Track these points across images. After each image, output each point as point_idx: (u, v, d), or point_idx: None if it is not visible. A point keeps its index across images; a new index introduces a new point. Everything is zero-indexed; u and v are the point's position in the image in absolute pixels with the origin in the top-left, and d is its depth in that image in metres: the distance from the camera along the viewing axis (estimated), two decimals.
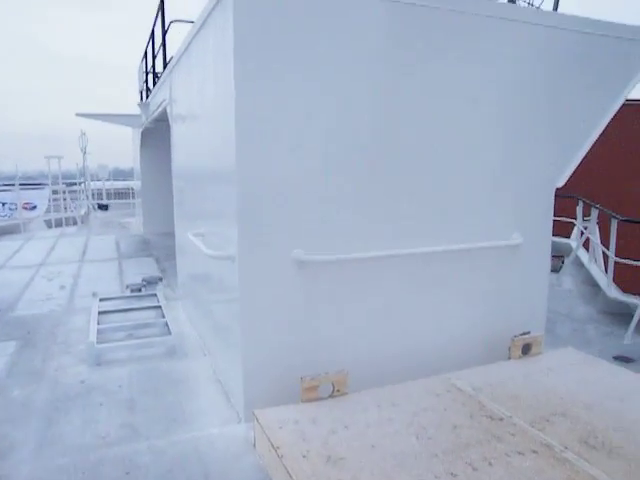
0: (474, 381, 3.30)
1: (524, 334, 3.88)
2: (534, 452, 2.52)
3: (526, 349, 3.80)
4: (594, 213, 6.86)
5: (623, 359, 4.57)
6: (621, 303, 5.78)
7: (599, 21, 3.91)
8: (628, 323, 5.19)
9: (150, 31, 8.27)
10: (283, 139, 3.05)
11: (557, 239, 7.57)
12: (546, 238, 4.15)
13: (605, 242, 6.33)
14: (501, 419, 2.82)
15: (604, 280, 6.26)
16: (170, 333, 4.61)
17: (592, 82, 4.02)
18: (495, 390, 3.19)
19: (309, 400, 2.99)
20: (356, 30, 3.13)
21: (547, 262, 4.20)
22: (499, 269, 3.95)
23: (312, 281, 3.25)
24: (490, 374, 3.44)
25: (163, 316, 5.14)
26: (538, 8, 6.52)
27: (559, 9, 6.42)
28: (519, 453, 2.51)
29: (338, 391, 3.07)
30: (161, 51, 7.38)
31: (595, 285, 6.51)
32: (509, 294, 4.02)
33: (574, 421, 2.83)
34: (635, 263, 5.52)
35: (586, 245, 7.32)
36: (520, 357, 3.74)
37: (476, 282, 3.87)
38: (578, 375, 3.46)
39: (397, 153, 3.43)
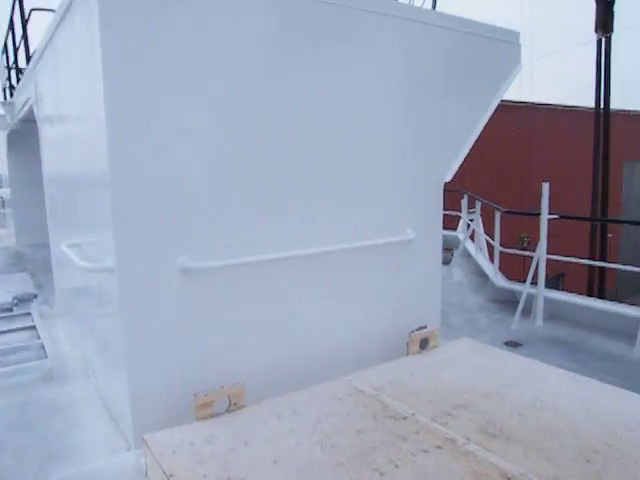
0: (375, 381, 3.24)
1: (421, 328, 3.90)
2: (438, 448, 2.48)
3: (424, 343, 3.81)
4: (478, 206, 7.17)
5: (512, 344, 4.76)
6: (507, 291, 6.06)
7: (480, 23, 4.05)
8: (515, 309, 5.43)
9: (8, 20, 7.48)
10: (160, 138, 2.81)
11: (445, 232, 7.85)
12: (437, 232, 4.21)
13: (490, 233, 6.63)
14: (404, 418, 2.77)
15: (491, 270, 6.55)
16: (47, 356, 4.17)
17: (473, 81, 4.16)
18: (396, 388, 3.14)
19: (204, 418, 2.77)
20: (234, 24, 2.96)
21: (439, 255, 4.27)
22: (394, 265, 3.95)
23: (201, 289, 3.03)
24: (390, 372, 3.40)
25: (38, 337, 4.65)
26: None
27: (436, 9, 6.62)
28: (424, 451, 2.46)
29: (235, 404, 2.88)
30: (23, 43, 6.72)
31: (483, 275, 6.79)
32: (405, 289, 4.04)
33: (474, 411, 2.84)
34: (520, 253, 5.82)
35: (473, 237, 7.64)
36: (418, 352, 3.75)
37: (372, 280, 3.84)
38: (474, 365, 3.51)
39: (287, 151, 3.30)
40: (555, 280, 18.37)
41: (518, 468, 2.30)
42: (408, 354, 3.72)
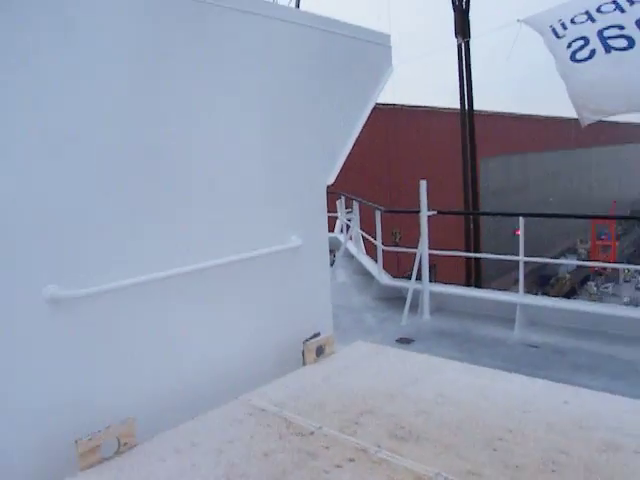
0: (275, 397, 3.09)
1: (315, 336, 3.80)
2: (351, 461, 2.38)
3: (320, 351, 3.72)
4: (356, 206, 7.26)
5: (404, 341, 4.83)
6: (393, 288, 6.18)
7: (351, 24, 4.04)
8: (402, 306, 5.54)
9: None
10: (12, 154, 2.45)
11: None
12: (323, 236, 4.14)
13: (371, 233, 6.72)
14: (311, 433, 2.64)
15: (375, 269, 6.65)
16: None
17: (348, 83, 4.15)
18: (299, 402, 3.01)
19: (90, 466, 2.45)
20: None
21: (326, 260, 4.20)
22: (282, 274, 3.82)
23: (74, 320, 2.70)
24: (290, 385, 3.26)
25: None
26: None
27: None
28: (337, 466, 2.35)
29: (125, 445, 2.58)
30: None
31: (367, 274, 6.88)
32: (295, 298, 3.92)
33: (380, 416, 2.78)
34: (403, 250, 5.95)
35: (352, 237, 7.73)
36: (315, 360, 3.64)
37: (261, 292, 3.68)
38: (373, 367, 3.47)
39: (156, 164, 3.04)
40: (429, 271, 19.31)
41: (432, 469, 2.27)
42: (305, 364, 3.60)
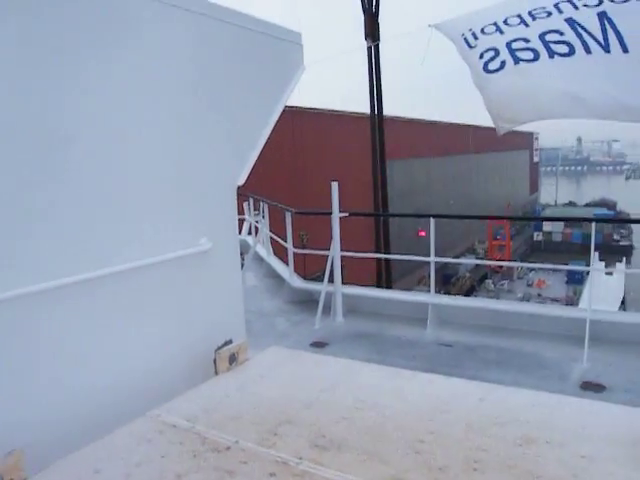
0: (187, 410, 2.89)
1: (227, 343, 3.64)
2: (272, 475, 2.25)
3: (233, 359, 3.55)
4: (265, 208, 7.12)
5: (318, 345, 4.75)
6: (305, 291, 6.09)
7: (263, 20, 3.90)
8: (314, 309, 5.46)
9: None
10: None
11: None
12: (234, 239, 3.97)
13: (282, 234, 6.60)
14: (228, 448, 2.48)
15: (286, 271, 6.53)
16: None
17: (259, 81, 4.01)
18: (212, 415, 2.83)
19: None
20: None
21: (238, 263, 4.03)
22: (191, 280, 3.61)
23: None
24: (202, 397, 3.07)
25: None
26: None
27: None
28: None
29: None
30: None
31: (278, 277, 6.75)
32: (205, 304, 3.72)
33: (300, 425, 2.67)
34: (315, 252, 5.87)
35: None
36: (229, 369, 3.47)
37: (169, 299, 3.45)
38: (289, 374, 3.36)
39: (51, 163, 2.75)
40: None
41: (356, 478, 2.19)
42: (218, 373, 3.42)
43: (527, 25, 4.11)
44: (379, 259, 10.40)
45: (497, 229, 48.09)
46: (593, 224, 6.15)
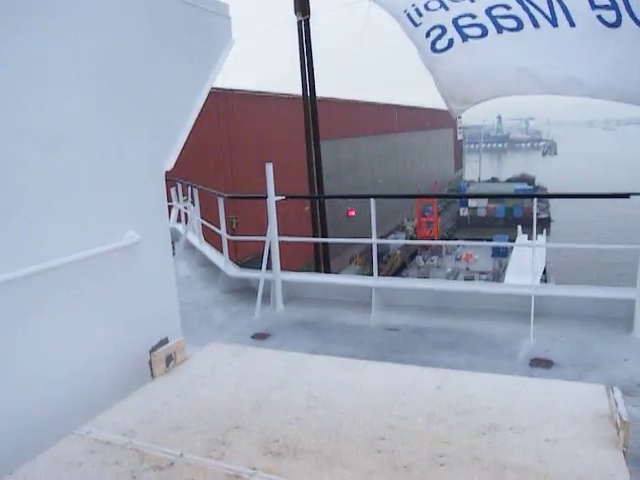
0: (122, 423, 2.59)
1: (162, 342, 3.35)
2: None
3: (170, 360, 3.26)
4: (195, 194, 6.75)
5: (260, 336, 4.52)
6: (242, 279, 5.81)
7: None
8: (252, 298, 5.22)
9: None
10: None
11: None
12: (164, 229, 3.65)
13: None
14: (172, 464, 2.23)
15: (221, 260, 6.21)
16: None
17: (185, 56, 3.68)
18: (151, 426, 2.56)
19: None
20: None
21: (170, 255, 3.72)
22: (119, 276, 3.27)
23: None
24: (139, 406, 2.78)
25: None
26: None
27: None
28: None
29: None
30: None
31: (212, 265, 6.42)
32: (136, 302, 3.40)
33: (250, 431, 2.45)
34: (252, 239, 5.60)
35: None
36: (166, 371, 3.18)
37: (95, 298, 3.11)
38: (234, 373, 3.12)
39: None
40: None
41: None
42: (154, 377, 3.13)
43: (472, 0, 3.97)
44: (316, 243, 10.23)
45: (425, 206, 49.17)
46: (535, 200, 6.19)
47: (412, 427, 2.41)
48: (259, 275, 5.28)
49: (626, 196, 4.80)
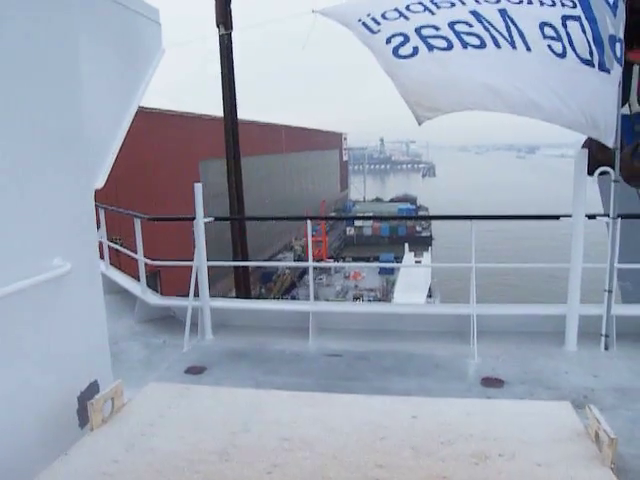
0: None
1: (92, 386, 2.93)
2: None
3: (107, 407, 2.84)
4: (102, 215, 6.17)
5: (195, 371, 4.12)
6: (162, 308, 5.33)
7: None
8: (174, 328, 4.79)
9: None
10: None
11: None
12: (94, 255, 3.21)
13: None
14: None
15: (137, 287, 5.66)
16: None
17: (116, 63, 3.31)
18: None
19: None
20: None
21: (99, 286, 3.25)
22: (45, 312, 2.79)
23: None
24: (81, 468, 2.35)
25: None
26: None
27: None
28: None
29: None
30: None
31: (123, 292, 5.85)
32: (64, 340, 2.93)
33: None
34: (177, 264, 5.16)
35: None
36: (104, 421, 2.75)
37: (16, 340, 2.62)
38: (188, 418, 2.75)
39: None
40: (152, 279, 18.29)
41: None
42: (92, 429, 2.68)
43: (433, 13, 3.93)
44: (236, 267, 9.80)
45: (314, 225, 49.61)
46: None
47: (402, 463, 2.26)
48: (186, 302, 4.85)
49: (556, 217, 5.01)
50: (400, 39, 3.85)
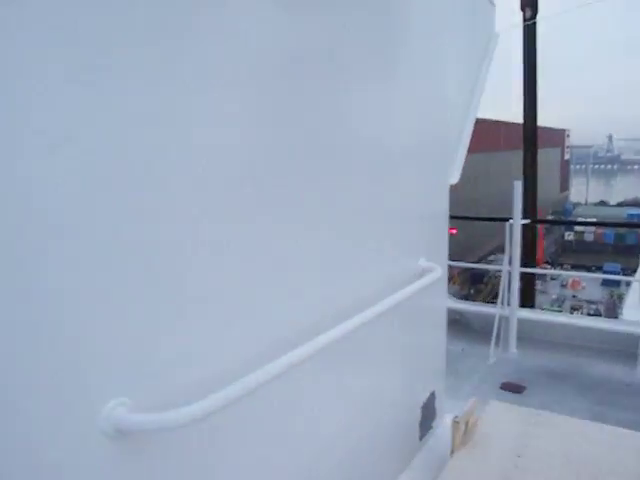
0: None
1: (432, 397, 2.69)
2: None
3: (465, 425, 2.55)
4: None
5: (512, 389, 3.72)
6: (451, 311, 5.05)
7: None
8: (466, 334, 4.46)
9: None
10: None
11: None
12: (445, 256, 2.96)
13: None
14: None
15: None
16: None
17: (462, 54, 3.00)
18: None
19: None
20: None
21: (445, 289, 3.02)
22: (415, 316, 2.61)
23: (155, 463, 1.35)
24: None
25: None
26: None
27: None
28: None
29: None
30: None
31: None
32: (418, 346, 2.72)
33: None
34: None
35: None
36: (465, 443, 2.47)
37: (395, 344, 2.45)
38: (558, 453, 2.34)
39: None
40: None
41: None
42: (452, 452, 2.42)
43: None
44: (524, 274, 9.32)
45: None
46: None
47: None
48: (487, 309, 4.48)
49: None
50: None
